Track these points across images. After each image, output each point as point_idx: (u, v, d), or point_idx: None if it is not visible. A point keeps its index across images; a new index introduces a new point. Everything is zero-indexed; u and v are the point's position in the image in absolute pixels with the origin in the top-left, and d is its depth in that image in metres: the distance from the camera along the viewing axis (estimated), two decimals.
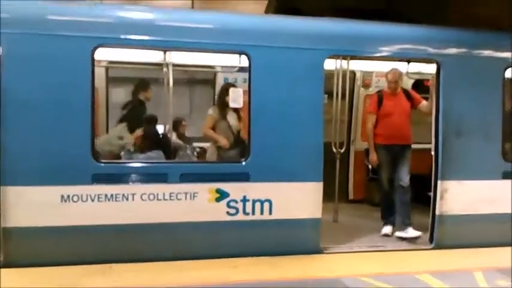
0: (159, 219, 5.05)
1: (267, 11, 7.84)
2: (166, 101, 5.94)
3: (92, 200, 4.83)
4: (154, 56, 5.98)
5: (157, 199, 4.99)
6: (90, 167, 4.87)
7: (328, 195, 6.64)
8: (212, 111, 6.15)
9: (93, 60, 4.90)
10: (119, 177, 4.98)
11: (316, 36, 5.55)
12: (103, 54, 5.59)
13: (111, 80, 7.66)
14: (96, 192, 4.85)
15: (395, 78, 6.42)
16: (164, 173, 5.08)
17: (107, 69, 7.32)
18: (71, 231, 4.84)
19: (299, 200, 5.41)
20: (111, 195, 4.88)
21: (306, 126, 5.44)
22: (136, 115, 6.51)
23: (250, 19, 5.84)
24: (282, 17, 5.98)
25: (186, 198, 5.06)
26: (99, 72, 7.00)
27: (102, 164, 4.98)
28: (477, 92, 5.96)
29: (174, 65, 5.88)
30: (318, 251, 5.50)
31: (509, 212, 6.02)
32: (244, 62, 5.40)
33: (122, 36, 4.99)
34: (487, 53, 6.04)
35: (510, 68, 6.11)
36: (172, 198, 5.02)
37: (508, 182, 6.01)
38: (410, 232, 6.15)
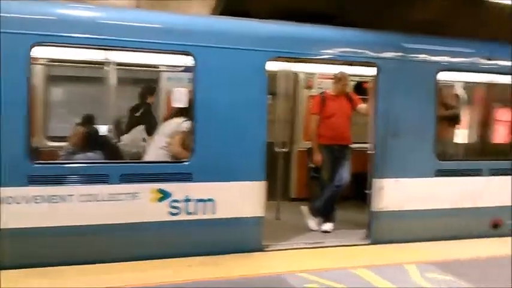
0: (100, 220, 4.97)
1: (213, 13, 7.85)
2: (108, 100, 5.86)
3: (28, 202, 4.70)
4: (96, 55, 5.89)
5: (97, 200, 4.92)
6: (25, 168, 4.74)
7: (271, 194, 6.80)
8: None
9: (30, 58, 4.77)
10: (55, 179, 4.86)
11: (259, 38, 5.63)
12: (42, 52, 5.43)
13: (50, 79, 7.44)
14: (32, 194, 4.72)
15: (346, 81, 6.64)
16: (104, 173, 5.01)
17: (45, 67, 7.11)
18: (7, 234, 4.68)
19: (242, 199, 5.48)
20: (48, 196, 4.77)
21: (250, 126, 5.52)
22: (150, 118, 6.66)
23: (195, 19, 5.84)
24: (227, 18, 6.03)
25: (127, 199, 5.02)
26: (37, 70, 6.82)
27: (38, 165, 4.84)
28: (413, 94, 6.24)
29: (117, 64, 5.80)
30: (261, 248, 5.60)
31: (443, 207, 6.35)
32: (189, 62, 5.41)
33: (62, 34, 4.88)
34: (421, 56, 6.32)
35: (443, 71, 6.47)
36: (113, 199, 4.97)
37: (440, 179, 6.34)
38: (328, 226, 6.50)
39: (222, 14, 7.50)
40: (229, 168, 5.43)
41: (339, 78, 6.62)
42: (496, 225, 6.67)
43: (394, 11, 7.37)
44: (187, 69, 6.02)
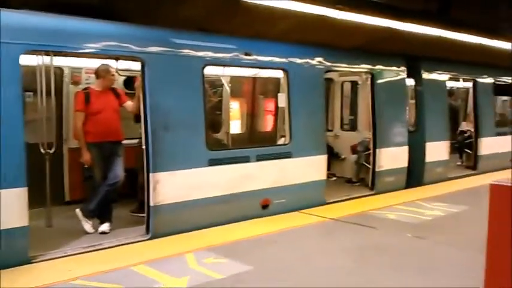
0: None
1: None
2: None
3: None
4: None
5: None
6: None
7: (41, 199, 6.25)
8: None
9: None
10: None
11: (11, 30, 5.06)
12: None
13: None
14: None
15: (110, 75, 6.40)
16: None
17: None
18: None
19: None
20: None
21: (2, 127, 4.92)
22: None
23: None
24: None
25: None
26: None
27: None
28: (181, 88, 6.40)
29: None
30: (28, 261, 5.08)
31: (218, 194, 6.67)
32: None
33: None
34: (187, 51, 6.50)
35: (208, 66, 6.77)
36: None
37: (213, 168, 6.64)
38: (105, 226, 6.29)
39: None
40: None
41: (104, 73, 6.39)
42: (265, 206, 7.30)
43: (163, 6, 7.43)
44: None
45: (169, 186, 6.17)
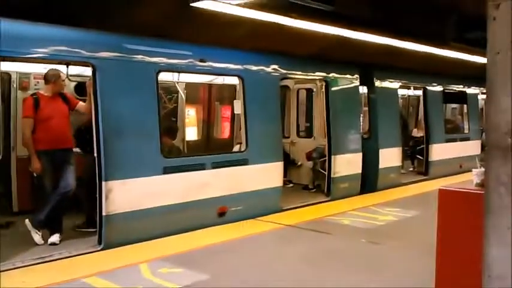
0: None
1: None
2: None
3: None
4: None
5: None
6: None
7: None
8: None
9: None
10: None
11: None
12: None
13: None
14: None
15: (59, 80, 6.20)
16: None
17: None
18: None
19: None
20: None
21: None
22: None
23: None
24: None
25: None
26: None
27: None
28: (134, 94, 6.29)
29: None
30: None
31: (173, 203, 6.56)
32: None
33: None
34: (140, 57, 6.40)
35: (162, 72, 6.68)
36: None
37: (168, 176, 6.54)
38: (55, 237, 6.07)
39: None
40: None
41: (53, 77, 6.18)
42: (221, 214, 7.24)
43: (117, 12, 7.30)
44: None
45: (122, 195, 6.02)
